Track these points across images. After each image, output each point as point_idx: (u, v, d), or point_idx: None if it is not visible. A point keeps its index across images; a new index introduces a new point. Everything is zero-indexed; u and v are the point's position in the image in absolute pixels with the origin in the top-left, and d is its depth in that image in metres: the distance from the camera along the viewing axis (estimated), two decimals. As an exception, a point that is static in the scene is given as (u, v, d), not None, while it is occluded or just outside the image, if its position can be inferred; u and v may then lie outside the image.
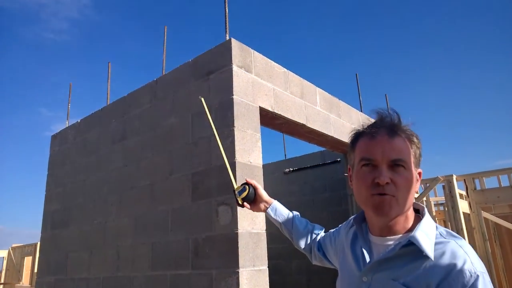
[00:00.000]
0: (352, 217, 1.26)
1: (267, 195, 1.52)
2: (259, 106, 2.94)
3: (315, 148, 5.03)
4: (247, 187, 1.47)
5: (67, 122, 4.44)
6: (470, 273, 0.84)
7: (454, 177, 6.02)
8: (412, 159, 0.97)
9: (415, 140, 1.00)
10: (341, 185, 5.27)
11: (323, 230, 1.50)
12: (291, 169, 6.02)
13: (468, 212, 6.38)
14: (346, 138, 3.90)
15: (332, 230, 1.39)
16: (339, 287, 1.12)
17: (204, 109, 1.78)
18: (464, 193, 6.52)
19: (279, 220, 1.49)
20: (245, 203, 1.47)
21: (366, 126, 1.03)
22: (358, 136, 1.04)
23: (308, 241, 1.47)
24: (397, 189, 0.93)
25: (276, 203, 1.52)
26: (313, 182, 5.72)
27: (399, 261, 0.93)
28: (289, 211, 1.52)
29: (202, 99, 1.83)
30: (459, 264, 0.85)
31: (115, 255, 3.32)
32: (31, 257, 14.61)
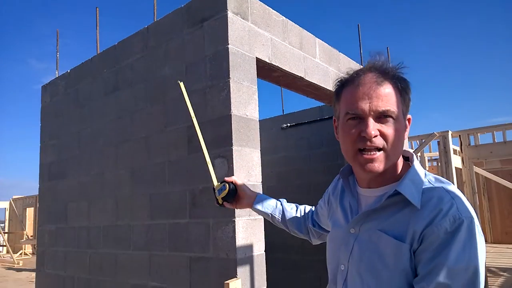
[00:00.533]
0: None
1: (249, 189, 1.41)
2: (256, 57, 2.86)
3: (313, 103, 4.98)
4: (226, 185, 1.36)
5: (57, 72, 4.34)
6: (454, 218, 0.81)
7: (450, 133, 6.06)
8: (401, 107, 0.91)
9: (404, 85, 0.93)
10: (337, 140, 5.29)
11: (314, 206, 1.45)
12: (288, 124, 6.01)
13: (461, 167, 6.50)
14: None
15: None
16: (329, 241, 1.11)
17: (183, 94, 1.47)
18: (458, 148, 6.60)
19: (268, 211, 1.40)
20: (225, 203, 1.37)
21: (351, 73, 0.96)
22: (343, 84, 0.97)
23: (303, 224, 1.41)
24: (386, 141, 0.88)
25: (261, 196, 1.42)
26: (310, 138, 5.74)
27: (387, 212, 0.91)
28: (276, 200, 1.44)
29: (181, 83, 1.51)
30: (444, 210, 0.82)
31: (114, 205, 3.39)
32: (33, 208, 14.98)
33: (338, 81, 1.00)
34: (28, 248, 14.85)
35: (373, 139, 0.88)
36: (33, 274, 5.74)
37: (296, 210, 1.43)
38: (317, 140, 5.64)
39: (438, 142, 6.01)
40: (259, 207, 1.40)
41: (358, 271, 0.92)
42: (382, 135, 0.89)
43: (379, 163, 0.90)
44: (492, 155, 6.41)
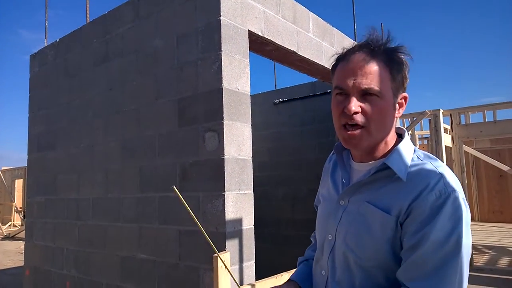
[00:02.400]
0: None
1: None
2: (248, 30, 2.79)
3: (306, 79, 4.94)
4: None
5: (45, 42, 4.21)
6: (440, 192, 0.83)
7: (441, 111, 6.08)
8: (390, 85, 0.92)
9: (397, 62, 0.93)
10: (330, 116, 5.26)
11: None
12: (280, 100, 5.96)
13: (451, 146, 6.57)
14: (337, 67, 3.79)
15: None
16: (319, 212, 1.13)
17: (179, 198, 1.19)
18: (448, 127, 6.64)
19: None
20: None
21: (346, 49, 0.98)
22: (338, 60, 0.99)
23: None
24: (368, 119, 0.90)
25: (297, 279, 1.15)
26: (302, 114, 5.72)
27: (375, 185, 0.94)
28: (302, 268, 1.21)
29: (175, 188, 1.17)
30: (431, 185, 0.85)
31: (103, 177, 3.37)
32: (22, 179, 14.90)
33: (335, 57, 1.02)
34: (17, 220, 14.88)
35: (354, 115, 0.90)
36: (22, 246, 5.77)
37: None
38: (310, 116, 5.62)
39: (430, 121, 6.04)
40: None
41: (344, 241, 0.96)
42: (364, 112, 0.90)
43: (358, 139, 0.92)
44: (482, 134, 6.47)
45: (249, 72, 2.78)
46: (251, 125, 2.76)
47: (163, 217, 2.85)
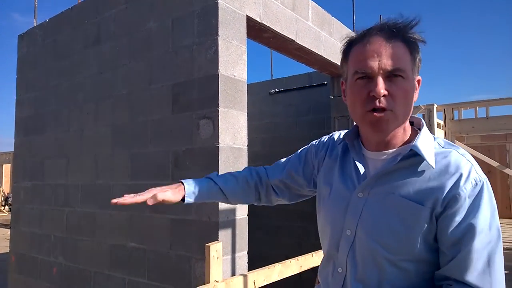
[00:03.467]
0: (335, 133, 1.16)
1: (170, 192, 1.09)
2: (247, 15, 2.71)
3: (303, 69, 4.87)
4: None
5: (34, 21, 4.05)
6: (475, 181, 0.83)
7: (435, 106, 6.07)
8: (411, 66, 0.88)
9: (416, 44, 0.90)
10: (325, 108, 5.24)
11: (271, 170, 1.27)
12: (276, 90, 5.89)
13: (443, 141, 6.58)
14: (336, 59, 3.74)
15: (304, 150, 1.22)
16: (327, 204, 1.02)
17: None
18: (442, 122, 6.65)
19: (205, 199, 1.19)
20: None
21: (361, 31, 0.91)
22: (351, 43, 0.93)
23: (254, 188, 1.24)
24: (395, 102, 0.85)
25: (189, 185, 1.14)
26: (298, 104, 5.66)
27: (399, 174, 0.88)
28: (207, 181, 1.19)
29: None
30: (465, 174, 0.83)
31: (93, 163, 3.29)
32: (10, 164, 14.64)
33: (346, 40, 0.95)
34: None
35: (382, 98, 0.85)
36: (9, 232, 5.66)
37: (237, 180, 1.23)
38: (305, 108, 5.57)
39: (423, 115, 6.04)
40: (190, 199, 1.15)
41: (371, 236, 0.89)
42: (391, 95, 0.86)
43: (386, 122, 0.87)
44: (474, 130, 6.49)
45: (246, 59, 2.70)
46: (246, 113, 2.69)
47: (155, 205, 2.78)
